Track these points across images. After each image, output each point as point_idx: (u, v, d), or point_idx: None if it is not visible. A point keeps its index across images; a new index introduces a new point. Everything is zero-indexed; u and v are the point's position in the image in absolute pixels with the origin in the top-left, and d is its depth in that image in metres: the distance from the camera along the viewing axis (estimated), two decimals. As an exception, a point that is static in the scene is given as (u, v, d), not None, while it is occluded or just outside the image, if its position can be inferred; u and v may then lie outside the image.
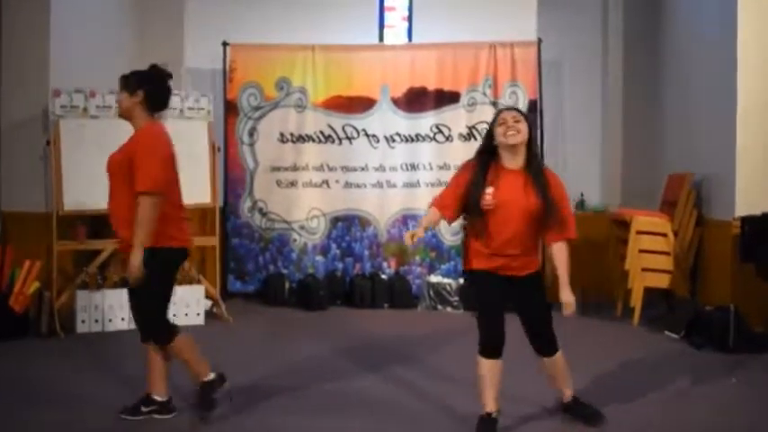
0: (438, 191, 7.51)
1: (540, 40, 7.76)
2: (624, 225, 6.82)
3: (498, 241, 3.77)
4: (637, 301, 6.64)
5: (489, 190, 3.73)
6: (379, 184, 7.89)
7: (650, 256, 6.64)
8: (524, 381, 4.45)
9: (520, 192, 3.76)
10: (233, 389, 4.24)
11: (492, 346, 3.81)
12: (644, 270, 6.64)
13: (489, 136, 3.85)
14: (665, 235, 6.65)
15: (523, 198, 3.75)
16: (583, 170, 8.38)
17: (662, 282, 6.68)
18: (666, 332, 6.22)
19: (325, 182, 7.89)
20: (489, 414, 3.85)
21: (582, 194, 8.25)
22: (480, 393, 3.87)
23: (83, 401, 4.39)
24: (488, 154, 3.85)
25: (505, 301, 3.86)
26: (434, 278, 7.59)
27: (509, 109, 4.00)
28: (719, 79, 6.53)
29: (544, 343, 4.00)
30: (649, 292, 6.69)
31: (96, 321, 6.29)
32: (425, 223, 3.91)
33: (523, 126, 3.77)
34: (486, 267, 3.82)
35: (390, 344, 5.93)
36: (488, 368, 3.82)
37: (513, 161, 3.81)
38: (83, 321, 6.25)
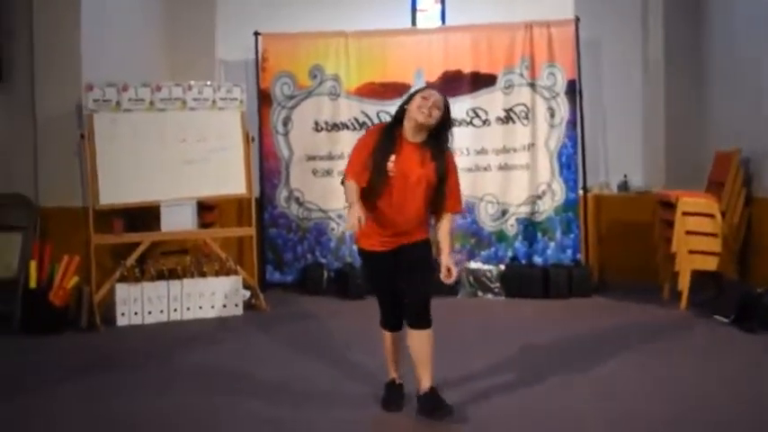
0: (476, 176, 7.54)
1: (577, 19, 7.56)
2: (670, 206, 6.62)
3: (392, 211, 3.83)
4: (684, 284, 6.43)
5: (392, 158, 3.80)
6: (415, 171, 7.76)
7: (697, 238, 6.43)
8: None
9: (416, 163, 3.83)
10: (271, 380, 4.19)
11: (389, 323, 4.04)
12: (691, 252, 6.43)
13: (408, 99, 3.88)
14: (712, 216, 6.43)
15: (420, 169, 3.82)
16: (625, 151, 8.16)
17: (710, 264, 6.46)
18: (716, 316, 6.02)
19: (362, 170, 7.79)
20: (393, 380, 4.10)
21: (625, 176, 8.03)
22: (385, 362, 4.13)
23: (132, 392, 4.38)
24: (397, 122, 3.91)
25: (396, 277, 3.92)
26: (474, 264, 7.46)
27: (439, 93, 3.92)
28: (766, 50, 6.27)
29: (418, 312, 3.87)
30: (697, 275, 6.48)
31: (136, 314, 6.29)
32: (356, 200, 3.73)
33: (438, 113, 3.81)
34: (377, 249, 3.91)
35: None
36: (389, 340, 4.07)
37: (415, 136, 3.87)
38: (122, 314, 6.26)
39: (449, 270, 3.84)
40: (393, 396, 4.05)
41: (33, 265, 6.03)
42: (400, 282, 3.90)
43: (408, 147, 3.85)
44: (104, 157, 6.29)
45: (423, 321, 3.86)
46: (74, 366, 5.03)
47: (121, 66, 6.89)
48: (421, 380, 3.89)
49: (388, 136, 3.86)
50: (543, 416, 3.91)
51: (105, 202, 6.27)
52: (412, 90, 4.05)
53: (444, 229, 3.96)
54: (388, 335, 4.05)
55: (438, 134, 3.88)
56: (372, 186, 3.78)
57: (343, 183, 3.88)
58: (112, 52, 6.83)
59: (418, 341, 3.86)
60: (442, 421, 3.74)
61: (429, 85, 3.95)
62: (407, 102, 3.88)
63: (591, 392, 4.26)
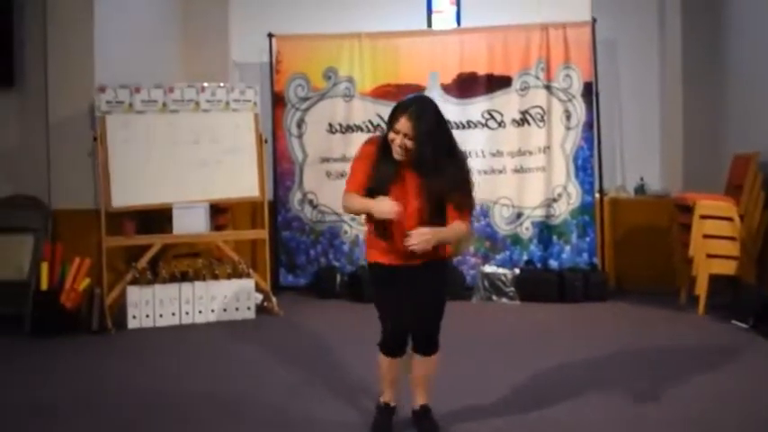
0: (491, 179, 7.47)
1: (594, 20, 7.48)
2: (687, 210, 6.52)
3: (395, 231, 3.48)
4: (702, 288, 6.33)
5: (391, 188, 3.49)
6: (430, 174, 7.70)
7: (715, 242, 6.33)
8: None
9: (413, 193, 3.48)
10: (288, 382, 4.14)
11: (391, 348, 3.69)
12: (709, 256, 6.33)
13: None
14: (730, 219, 6.32)
15: (415, 200, 3.47)
16: (642, 154, 8.07)
17: (728, 268, 6.35)
18: (734, 321, 5.92)
19: (376, 172, 7.74)
20: (387, 404, 3.77)
21: (642, 179, 7.93)
22: (380, 382, 3.80)
23: (141, 396, 4.35)
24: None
25: (404, 297, 3.59)
26: (489, 268, 7.38)
27: (409, 117, 3.39)
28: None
29: (426, 338, 3.69)
30: (715, 280, 6.37)
31: (147, 317, 6.26)
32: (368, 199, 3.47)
33: (412, 143, 3.38)
34: (386, 262, 3.57)
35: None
36: (387, 365, 3.71)
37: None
38: (134, 317, 6.23)
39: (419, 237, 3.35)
40: (385, 421, 3.74)
41: (45, 267, 6.01)
42: (410, 304, 3.60)
43: (407, 171, 3.50)
44: (117, 159, 6.27)
45: (431, 348, 3.70)
46: (85, 369, 5.01)
47: (134, 68, 6.87)
48: (417, 396, 3.78)
49: (386, 158, 3.49)
50: (547, 425, 3.83)
51: (118, 204, 6.25)
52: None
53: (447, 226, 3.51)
54: (386, 360, 3.71)
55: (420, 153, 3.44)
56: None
57: (344, 208, 3.67)
58: (125, 54, 6.82)
59: (424, 366, 3.72)
60: None
61: (411, 97, 3.55)
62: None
63: (606, 399, 4.17)
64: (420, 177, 3.47)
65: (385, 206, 3.38)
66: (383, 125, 7.53)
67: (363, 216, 3.69)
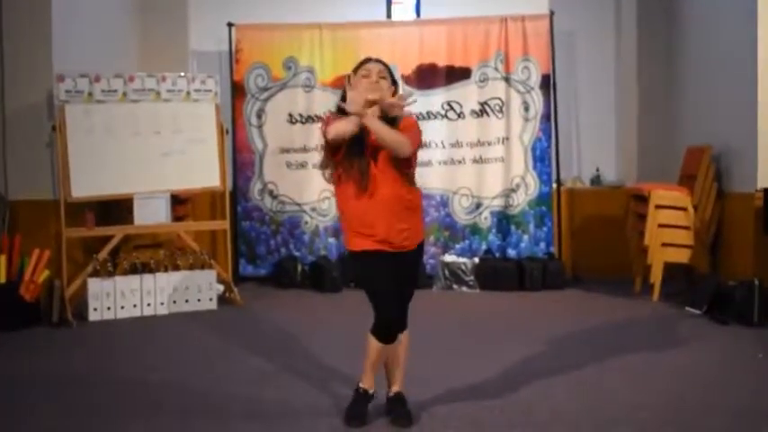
0: (450, 169, 7.55)
1: (552, 13, 7.60)
2: (642, 200, 6.68)
3: (370, 200, 3.51)
4: (657, 276, 6.51)
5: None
6: (390, 164, 7.74)
7: (670, 231, 6.51)
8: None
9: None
10: (253, 371, 4.13)
11: (387, 332, 3.63)
12: (663, 245, 6.51)
13: (348, 86, 3.59)
14: (684, 209, 6.51)
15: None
16: (598, 144, 8.24)
17: (682, 257, 6.55)
18: (687, 308, 6.10)
19: (336, 162, 7.75)
20: (366, 391, 3.75)
21: (597, 169, 8.11)
22: (363, 370, 3.74)
23: (105, 387, 4.32)
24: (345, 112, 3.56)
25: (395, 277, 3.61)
26: (449, 258, 7.48)
27: (376, 61, 3.65)
28: (739, 48, 6.36)
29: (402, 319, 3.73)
30: (669, 268, 6.56)
31: (108, 309, 6.20)
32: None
33: (385, 83, 3.59)
34: (372, 248, 3.56)
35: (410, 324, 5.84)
36: (379, 352, 3.67)
37: (371, 111, 3.53)
38: (95, 309, 6.16)
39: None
40: (360, 408, 3.73)
41: (2, 259, 5.91)
42: (396, 288, 3.63)
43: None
44: (76, 149, 6.18)
45: (403, 325, 3.75)
46: (45, 362, 4.94)
47: (93, 56, 6.77)
48: (393, 382, 3.81)
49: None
50: (517, 409, 3.91)
51: (77, 194, 6.17)
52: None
53: None
54: (379, 347, 3.64)
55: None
56: (347, 168, 3.53)
57: (322, 166, 3.67)
58: (84, 42, 6.71)
59: (398, 345, 3.75)
60: (404, 429, 3.64)
61: (365, 60, 3.65)
62: (348, 86, 3.58)
63: (564, 384, 4.26)
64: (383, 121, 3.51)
65: (355, 98, 3.42)
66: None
67: (335, 206, 3.68)
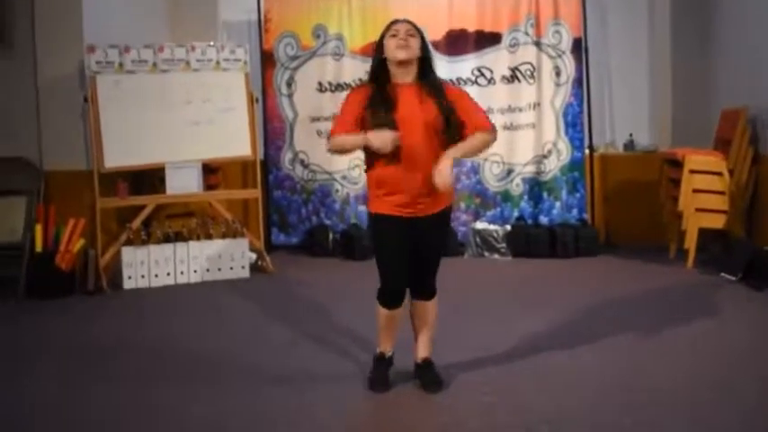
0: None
1: (583, -25, 7.46)
2: (676, 165, 6.58)
3: (405, 169, 3.45)
4: (691, 242, 6.43)
5: (396, 107, 3.47)
6: (420, 130, 7.70)
7: (704, 196, 6.41)
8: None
9: (416, 106, 3.47)
10: (284, 337, 4.17)
11: (391, 299, 3.66)
12: (698, 210, 6.42)
13: (380, 47, 3.55)
14: (719, 174, 6.40)
15: (420, 111, 3.46)
16: (631, 109, 8.08)
17: (717, 222, 6.45)
18: (723, 274, 6.02)
19: (366, 130, 7.73)
20: (383, 354, 3.78)
21: (631, 135, 7.96)
22: (377, 335, 3.80)
23: (139, 353, 4.39)
24: (382, 71, 3.55)
25: (408, 248, 3.58)
26: (480, 225, 7.45)
27: (404, 21, 3.57)
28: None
29: (425, 285, 3.72)
30: (704, 234, 6.47)
31: (143, 277, 6.29)
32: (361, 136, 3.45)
33: (415, 41, 3.51)
34: (390, 213, 3.53)
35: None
36: (386, 318, 3.71)
37: (404, 75, 3.53)
38: (129, 277, 6.25)
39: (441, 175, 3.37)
40: (381, 372, 3.76)
41: (39, 229, 6.01)
42: (415, 255, 3.60)
43: (405, 91, 3.50)
44: (108, 120, 6.24)
45: (430, 293, 3.74)
46: (81, 330, 5.04)
47: (123, 27, 6.80)
48: (420, 348, 3.81)
49: (379, 88, 3.52)
50: (550, 374, 3.91)
51: (110, 164, 6.24)
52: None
53: (465, 140, 3.49)
54: (385, 313, 3.68)
55: (424, 66, 3.56)
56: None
57: (329, 150, 3.65)
58: (114, 13, 6.75)
59: (422, 310, 3.75)
60: (435, 394, 3.65)
61: (393, 21, 3.63)
62: (379, 50, 3.57)
63: (602, 347, 4.26)
64: (424, 87, 3.52)
65: (385, 136, 3.35)
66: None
67: (363, 161, 3.65)
